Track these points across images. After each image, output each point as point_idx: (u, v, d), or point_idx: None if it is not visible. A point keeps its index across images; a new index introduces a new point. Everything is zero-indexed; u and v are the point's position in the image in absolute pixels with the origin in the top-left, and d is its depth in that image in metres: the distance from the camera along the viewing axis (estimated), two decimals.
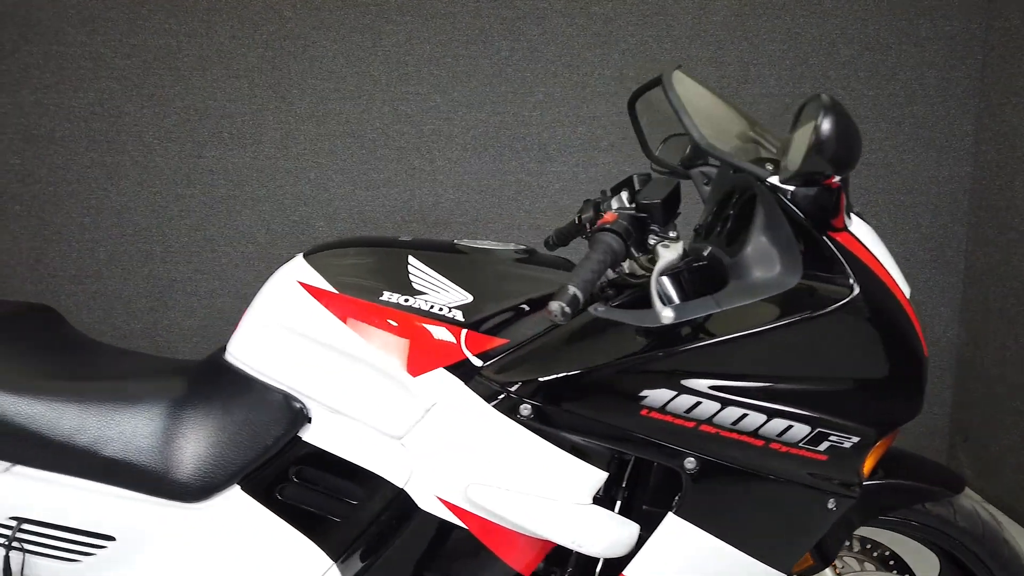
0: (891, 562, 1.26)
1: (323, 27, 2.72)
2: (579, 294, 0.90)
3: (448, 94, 2.77)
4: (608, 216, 1.02)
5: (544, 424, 1.01)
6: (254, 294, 3.01)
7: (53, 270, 2.81)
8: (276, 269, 2.80)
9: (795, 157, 0.96)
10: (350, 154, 2.79)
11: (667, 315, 0.92)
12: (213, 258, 2.83)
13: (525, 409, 1.00)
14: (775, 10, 2.72)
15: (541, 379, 1.00)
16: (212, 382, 1.10)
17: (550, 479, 1.01)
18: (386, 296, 1.03)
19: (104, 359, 1.18)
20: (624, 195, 1.24)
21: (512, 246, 1.26)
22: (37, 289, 2.82)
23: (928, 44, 2.73)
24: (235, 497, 1.05)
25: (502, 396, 1.01)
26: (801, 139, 0.95)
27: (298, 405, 1.04)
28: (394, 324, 1.01)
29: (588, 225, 1.36)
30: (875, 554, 1.27)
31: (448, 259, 1.09)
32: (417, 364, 1.01)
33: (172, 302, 2.86)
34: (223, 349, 1.17)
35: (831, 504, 1.02)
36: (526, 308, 1.08)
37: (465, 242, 1.20)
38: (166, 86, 2.74)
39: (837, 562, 1.22)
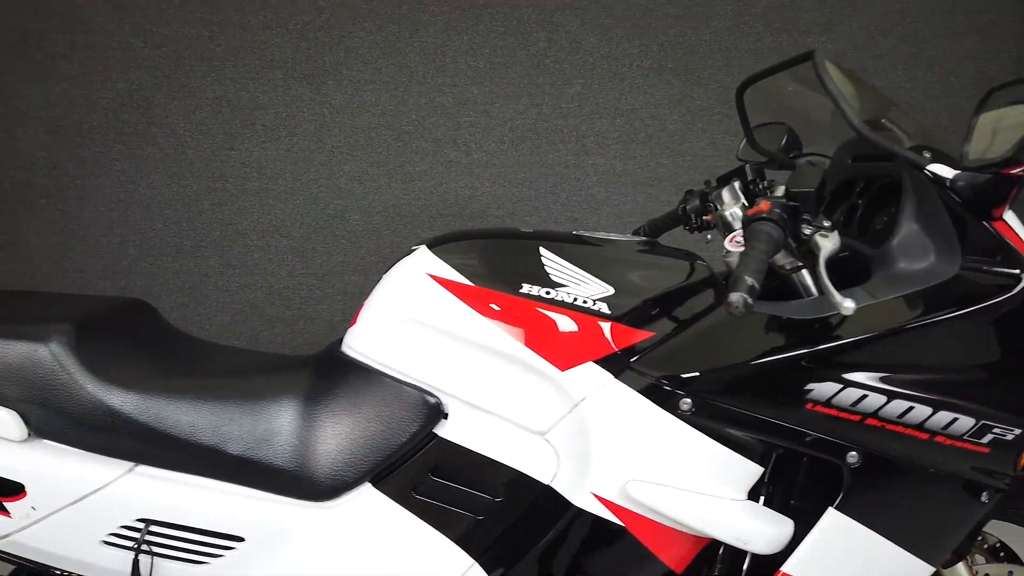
0: (1001, 553, 1.26)
1: (359, 17, 2.68)
2: (756, 284, 0.88)
3: (485, 86, 2.73)
4: (762, 205, 1.00)
5: (704, 419, 0.99)
6: (287, 288, 2.98)
7: (80, 265, 2.75)
8: (311, 263, 2.77)
9: (982, 143, 0.94)
10: (385, 146, 2.75)
11: (848, 306, 0.91)
12: (245, 252, 2.78)
13: (685, 404, 0.98)
14: (814, 2, 2.71)
15: (701, 373, 0.99)
16: (335, 378, 1.07)
17: (709, 475, 0.99)
18: (526, 288, 1.01)
19: (213, 355, 1.14)
20: (737, 185, 1.22)
21: (631, 237, 1.24)
22: (63, 285, 2.75)
23: (964, 37, 2.74)
24: (367, 495, 1.02)
25: (658, 390, 0.99)
26: (996, 124, 0.94)
27: (434, 401, 1.02)
28: (537, 317, 0.99)
29: (694, 216, 1.34)
30: (984, 546, 1.27)
31: (581, 251, 1.07)
32: (565, 358, 0.98)
33: (203, 297, 2.80)
34: (338, 343, 1.14)
35: (984, 497, 1.02)
36: (667, 299, 1.06)
37: (586, 233, 1.18)
38: (198, 77, 2.68)
39: None
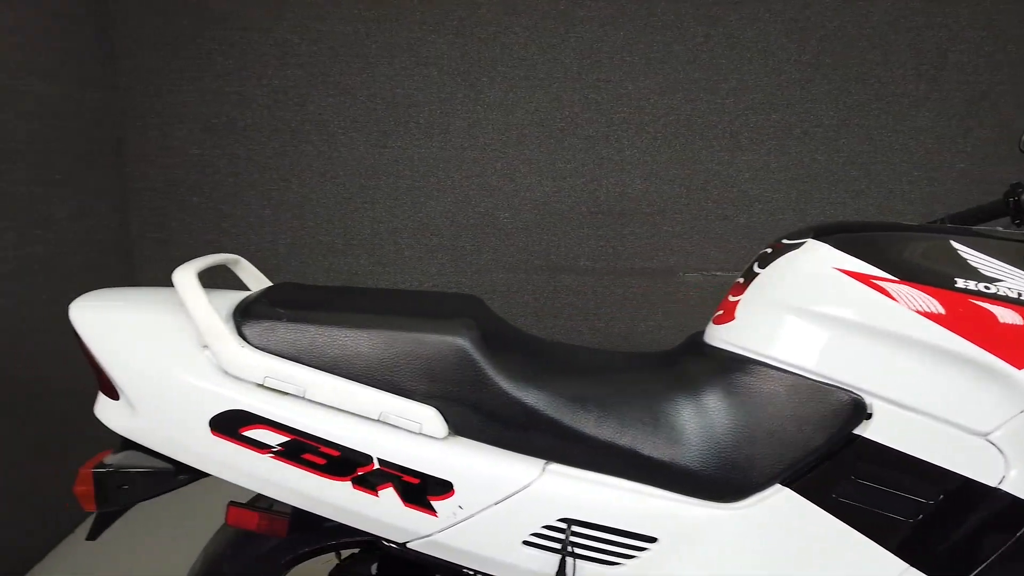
0: None
1: (515, 12, 2.66)
2: None
3: (640, 81, 2.71)
4: None
5: None
6: (436, 286, 2.94)
7: None
8: (460, 261, 2.73)
9: None
10: (537, 144, 2.73)
11: None
12: (396, 250, 2.77)
13: None
14: None
15: None
16: (729, 377, 1.04)
17: None
18: (961, 283, 0.98)
19: (571, 354, 1.12)
20: None
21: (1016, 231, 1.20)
22: (213, 284, 2.73)
23: None
24: (781, 496, 1.00)
25: None
26: None
27: (856, 401, 0.99)
28: (982, 314, 0.96)
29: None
30: None
31: (993, 244, 1.04)
32: (1021, 355, 0.96)
33: None
34: (698, 339, 1.12)
35: None
36: None
37: (961, 226, 1.15)
38: (352, 74, 2.66)
39: None
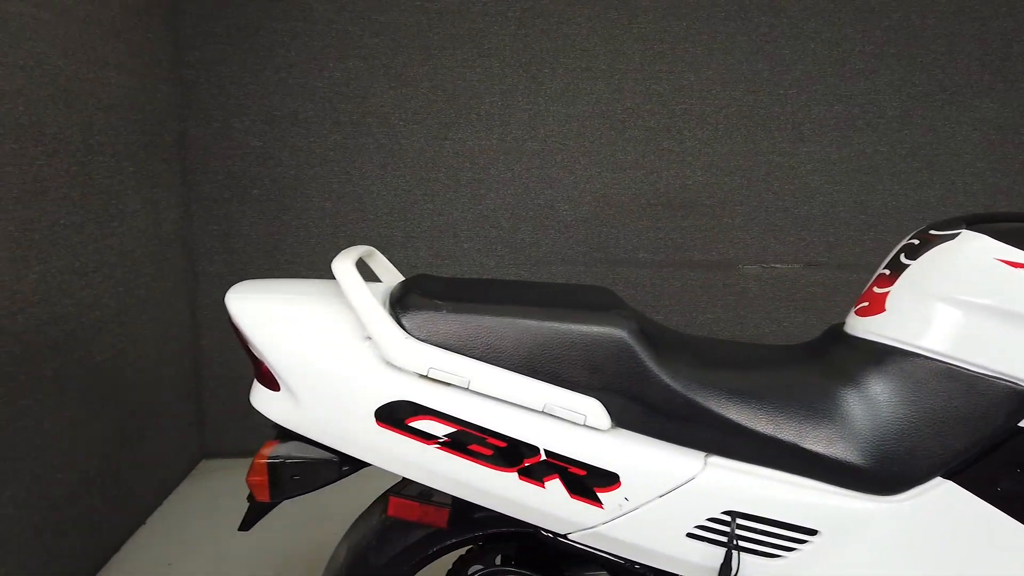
0: None
1: (578, 3, 2.64)
2: None
3: (702, 72, 2.70)
4: None
5: None
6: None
7: (291, 256, 2.73)
8: (520, 253, 2.74)
9: None
10: (598, 135, 2.72)
11: None
12: (455, 243, 2.76)
13: None
14: None
15: None
16: (882, 369, 1.03)
17: None
18: None
19: (719, 347, 1.12)
20: None
21: None
22: (275, 276, 2.73)
23: None
24: (943, 489, 1.00)
25: None
26: None
27: (1020, 393, 0.98)
28: None
29: None
30: None
31: None
32: None
33: None
34: (842, 336, 1.11)
35: None
36: None
37: None
38: (414, 66, 2.65)
39: None
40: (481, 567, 1.12)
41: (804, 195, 2.78)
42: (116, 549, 2.14)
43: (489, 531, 1.08)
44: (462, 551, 1.77)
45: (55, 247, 1.83)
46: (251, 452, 2.85)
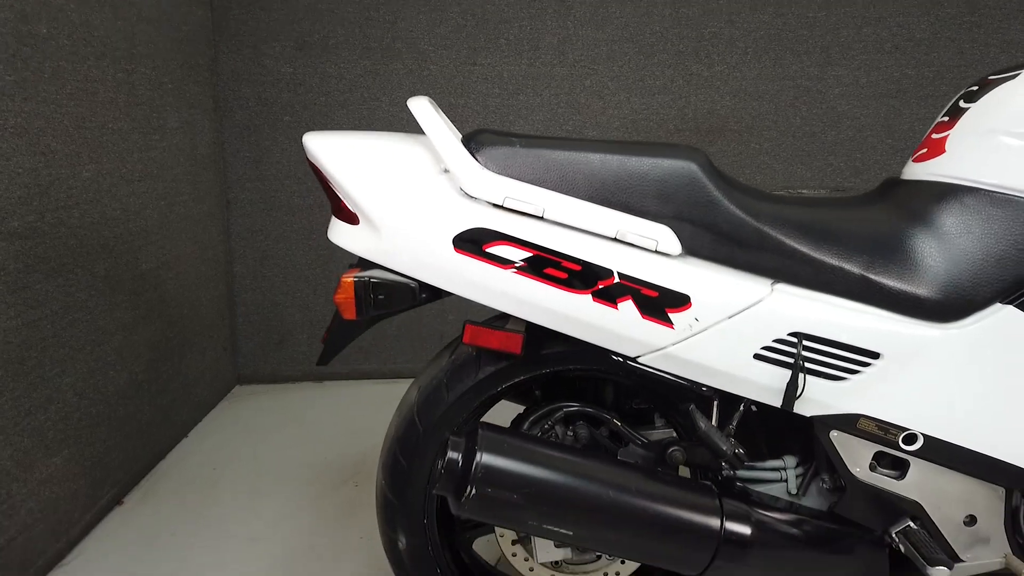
0: None
1: None
2: None
3: None
4: None
5: None
6: None
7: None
8: None
9: None
10: (627, 60, 2.73)
11: None
12: None
13: None
14: None
15: None
16: (942, 203, 1.06)
17: None
18: None
19: (786, 196, 1.15)
20: None
21: None
22: (305, 204, 2.76)
23: None
24: (1002, 314, 1.03)
25: None
26: None
27: None
28: None
29: None
30: None
31: None
32: None
33: None
34: (901, 182, 1.15)
35: None
36: None
37: None
38: None
39: None
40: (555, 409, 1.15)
41: (831, 119, 2.79)
42: (162, 456, 2.19)
43: (557, 368, 1.11)
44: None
45: (104, 150, 1.86)
46: (284, 379, 2.90)
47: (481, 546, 1.63)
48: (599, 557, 1.18)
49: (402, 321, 2.88)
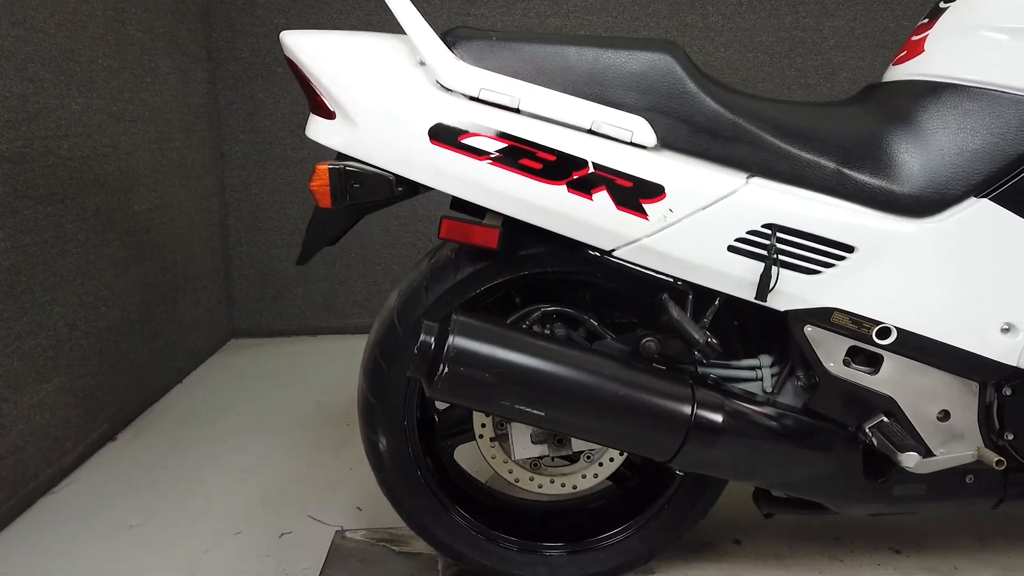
0: None
1: None
2: None
3: None
4: None
5: None
6: None
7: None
8: None
9: None
10: (621, 10, 2.72)
11: None
12: None
13: None
14: None
15: None
16: (920, 101, 1.06)
17: None
18: None
19: (765, 98, 1.15)
20: None
21: None
22: (300, 156, 2.77)
23: None
24: (976, 207, 1.03)
25: None
26: None
27: None
28: None
29: None
30: None
31: None
32: None
33: None
34: (882, 84, 1.15)
35: None
36: None
37: None
38: None
39: None
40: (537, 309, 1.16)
41: (827, 71, 2.78)
42: (157, 399, 2.21)
43: (536, 270, 1.12)
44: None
45: (94, 85, 1.87)
46: (280, 332, 2.92)
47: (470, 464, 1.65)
48: (577, 458, 1.19)
49: (397, 275, 2.89)
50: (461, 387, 0.97)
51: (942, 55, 1.08)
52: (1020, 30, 1.03)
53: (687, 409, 1.02)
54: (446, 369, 0.96)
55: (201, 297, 2.56)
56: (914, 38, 1.15)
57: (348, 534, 1.43)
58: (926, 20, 1.15)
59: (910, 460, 1.02)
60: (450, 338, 0.97)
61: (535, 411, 0.98)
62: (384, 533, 1.41)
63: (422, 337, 0.98)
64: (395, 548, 1.36)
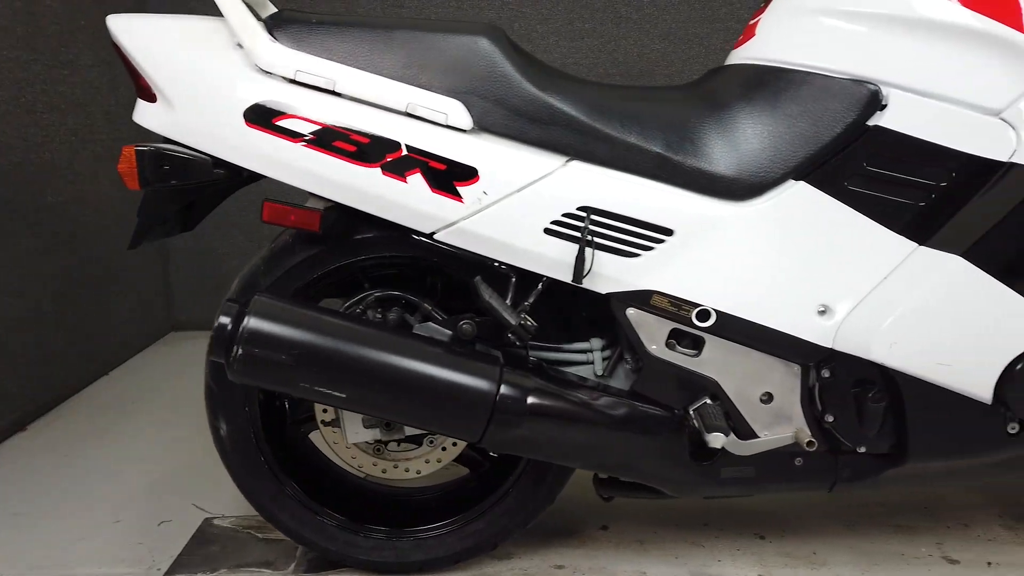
0: None
1: None
2: None
3: None
4: None
5: None
6: None
7: None
8: None
9: None
10: (555, 2, 2.72)
11: None
12: None
13: None
14: None
15: None
16: (748, 85, 1.07)
17: None
18: None
19: (595, 82, 1.15)
20: None
21: None
22: None
23: None
24: (795, 190, 1.03)
25: None
26: None
27: (871, 91, 1.01)
28: None
29: None
30: None
31: None
32: None
33: None
34: (720, 68, 1.15)
35: None
36: None
37: None
38: None
39: None
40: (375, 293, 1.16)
41: None
42: (77, 390, 2.22)
43: (370, 255, 1.12)
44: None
45: None
46: None
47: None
48: (421, 443, 1.20)
49: None
50: (257, 369, 0.98)
51: (770, 39, 1.09)
52: (850, 13, 1.03)
53: (491, 389, 1.02)
54: (239, 351, 0.96)
55: (134, 289, 2.57)
56: (751, 22, 1.15)
57: (217, 521, 1.43)
58: (762, 5, 1.15)
59: (716, 440, 1.02)
60: (245, 319, 0.97)
61: (336, 393, 0.98)
62: (253, 520, 1.42)
63: (219, 319, 0.99)
64: (259, 535, 1.37)
